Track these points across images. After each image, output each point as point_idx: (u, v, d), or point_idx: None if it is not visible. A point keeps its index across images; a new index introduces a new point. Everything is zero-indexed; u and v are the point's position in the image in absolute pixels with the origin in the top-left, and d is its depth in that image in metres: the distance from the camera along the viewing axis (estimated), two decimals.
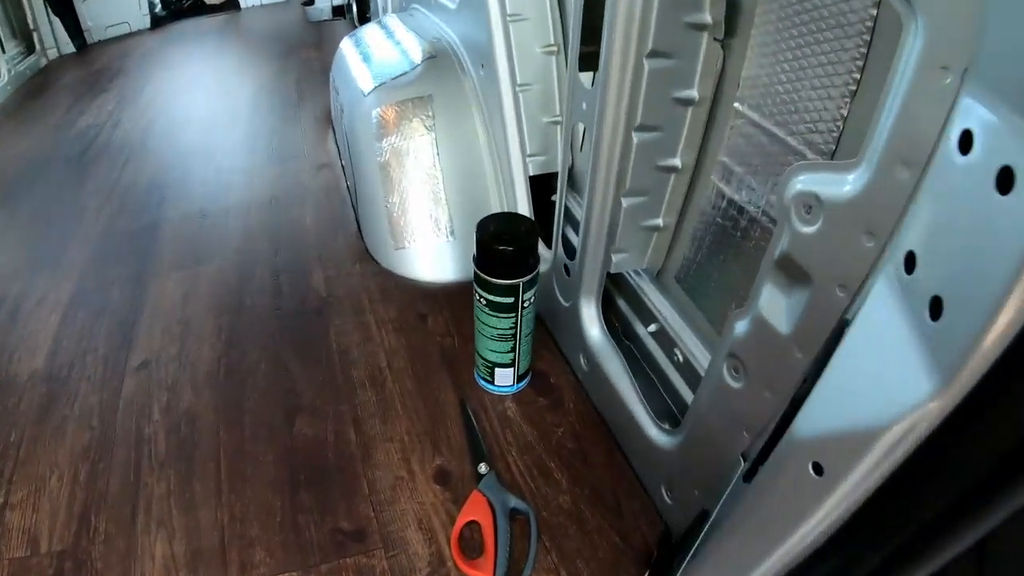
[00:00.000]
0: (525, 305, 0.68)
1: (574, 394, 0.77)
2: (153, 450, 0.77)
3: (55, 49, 2.27)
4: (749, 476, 0.42)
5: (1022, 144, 0.14)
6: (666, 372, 0.66)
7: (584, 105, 0.63)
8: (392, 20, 1.25)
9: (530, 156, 0.85)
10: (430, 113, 0.93)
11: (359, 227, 1.11)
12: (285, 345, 0.91)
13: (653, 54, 0.54)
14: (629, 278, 0.72)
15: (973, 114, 0.17)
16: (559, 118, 0.83)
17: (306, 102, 1.79)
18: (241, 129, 1.65)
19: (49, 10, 2.20)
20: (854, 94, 0.43)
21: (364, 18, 1.93)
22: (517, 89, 0.82)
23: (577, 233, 0.70)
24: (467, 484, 0.68)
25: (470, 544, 0.63)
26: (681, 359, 0.63)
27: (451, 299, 0.93)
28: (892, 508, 0.19)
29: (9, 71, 2.00)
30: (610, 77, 0.56)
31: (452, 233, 0.93)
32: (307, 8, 2.44)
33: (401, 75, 0.98)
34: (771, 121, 0.52)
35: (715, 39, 0.54)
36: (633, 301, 0.72)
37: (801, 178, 0.35)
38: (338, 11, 2.43)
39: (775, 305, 0.40)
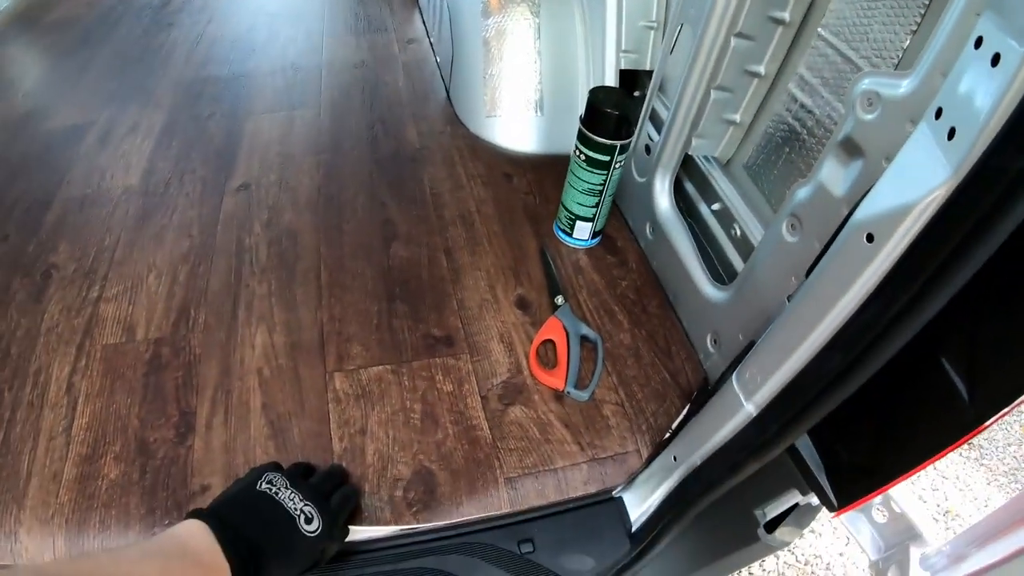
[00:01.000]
0: (616, 166, 0.86)
1: (637, 257, 0.95)
2: (254, 258, 0.92)
3: None
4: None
5: (1006, 39, 0.31)
6: (722, 245, 0.85)
7: (692, 10, 0.78)
8: None
9: (624, 52, 0.99)
10: (536, 1, 1.05)
11: (449, 97, 1.25)
12: (381, 184, 1.07)
13: None
14: (700, 164, 0.89)
15: (986, 27, 0.33)
16: (653, 23, 0.97)
17: None
18: (328, 3, 1.71)
19: None
20: (914, 32, 0.59)
21: None
22: None
23: (655, 127, 0.87)
24: (544, 312, 0.86)
25: (544, 359, 0.80)
26: (738, 234, 0.81)
27: (534, 166, 1.10)
28: (916, 259, 0.36)
29: None
30: None
31: (540, 109, 1.09)
32: None
33: None
34: (847, 45, 0.68)
35: None
36: (700, 184, 0.90)
37: (867, 80, 0.52)
38: None
39: (833, 175, 0.58)
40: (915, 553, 0.58)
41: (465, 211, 1.02)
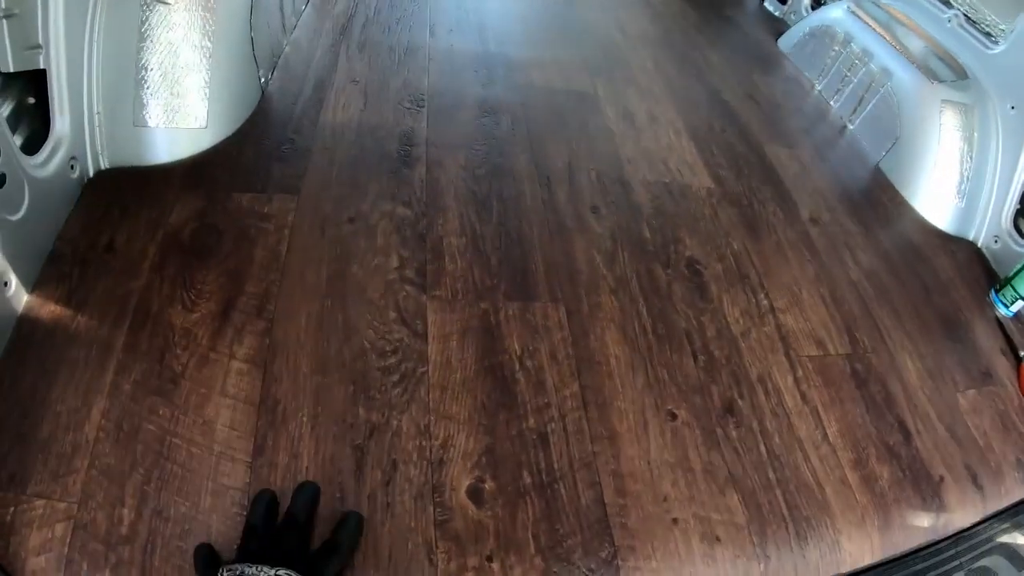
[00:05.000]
0: None
1: None
2: (864, 292, 1.35)
3: None
4: None
5: None
6: None
7: None
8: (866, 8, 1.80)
9: None
10: (973, 119, 1.56)
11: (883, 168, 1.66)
12: None
13: None
14: None
15: None
16: None
17: None
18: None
19: None
20: None
21: None
22: None
23: None
24: (1012, 356, 1.42)
25: None
26: None
27: (957, 245, 1.62)
28: None
29: None
30: None
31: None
32: None
33: (955, 81, 1.57)
34: None
35: None
36: None
37: None
38: None
39: None
40: None
41: None
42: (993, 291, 1.56)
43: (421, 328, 0.97)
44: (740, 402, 1.05)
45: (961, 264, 1.60)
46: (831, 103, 2.01)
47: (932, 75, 1.75)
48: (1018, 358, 1.45)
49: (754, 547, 0.89)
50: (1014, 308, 1.54)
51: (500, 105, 1.51)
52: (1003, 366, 1.40)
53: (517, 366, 0.97)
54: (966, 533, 1.13)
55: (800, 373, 1.14)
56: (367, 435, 0.85)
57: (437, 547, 0.77)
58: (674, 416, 0.99)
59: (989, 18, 1.74)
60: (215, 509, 0.76)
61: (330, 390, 0.89)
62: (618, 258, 1.20)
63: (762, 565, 0.89)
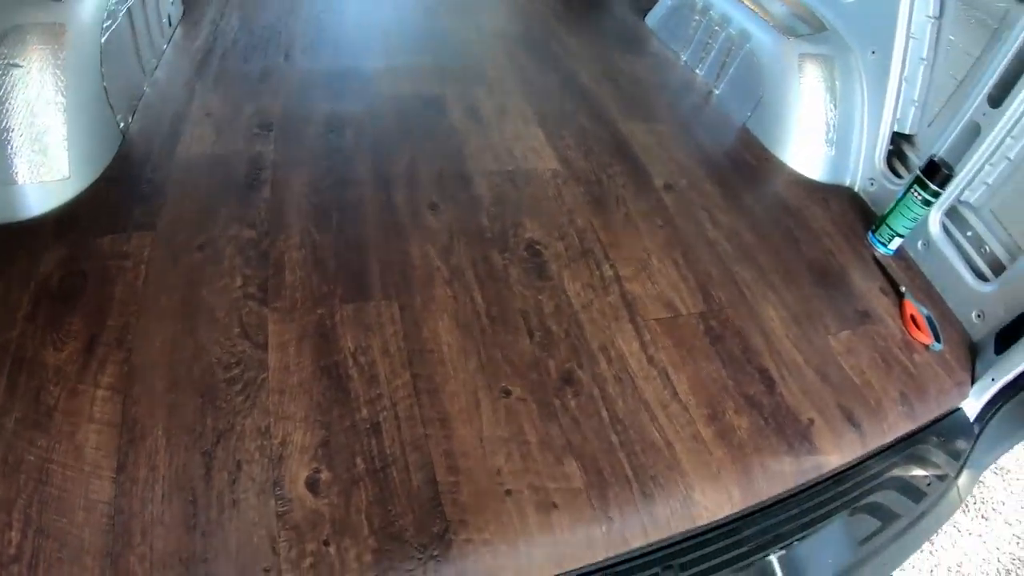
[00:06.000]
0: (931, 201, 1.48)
1: (913, 265, 1.60)
2: (723, 251, 1.43)
3: None
4: None
5: None
6: (974, 257, 1.50)
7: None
8: None
9: (896, 119, 1.61)
10: (833, 69, 1.61)
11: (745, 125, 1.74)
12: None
13: None
14: (959, 207, 1.54)
15: None
16: (916, 101, 1.61)
17: None
18: None
19: None
20: None
21: None
22: (903, 77, 1.57)
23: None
24: (894, 293, 1.49)
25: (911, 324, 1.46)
26: (988, 250, 1.48)
27: (831, 192, 1.66)
28: None
29: None
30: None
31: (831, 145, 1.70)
32: None
33: (810, 34, 1.63)
34: None
35: None
36: (957, 218, 1.55)
37: None
38: None
39: None
40: None
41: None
42: (871, 232, 1.62)
43: (262, 339, 1.04)
44: (579, 372, 1.10)
45: (836, 211, 1.67)
46: (697, 72, 2.09)
47: (790, 32, 1.82)
48: (900, 294, 1.51)
49: (594, 510, 0.93)
50: (892, 246, 1.58)
51: (347, 119, 1.56)
52: (884, 304, 1.45)
53: (351, 363, 1.04)
54: (848, 472, 1.18)
55: (647, 337, 1.18)
56: (214, 441, 0.93)
57: (279, 537, 0.84)
58: (508, 393, 1.04)
59: None
60: (87, 523, 0.84)
61: (182, 405, 0.96)
62: (454, 249, 1.26)
63: (604, 527, 0.92)
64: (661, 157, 1.68)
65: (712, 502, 1.00)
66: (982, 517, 2.09)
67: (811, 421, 1.14)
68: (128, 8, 1.49)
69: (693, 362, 1.17)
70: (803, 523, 1.09)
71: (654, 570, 0.96)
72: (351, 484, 0.90)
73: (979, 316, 1.44)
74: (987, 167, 1.48)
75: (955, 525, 2.01)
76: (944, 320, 1.47)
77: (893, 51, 1.62)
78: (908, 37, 1.60)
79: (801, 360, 1.24)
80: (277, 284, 1.13)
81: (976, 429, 1.38)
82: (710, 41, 2.02)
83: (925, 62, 1.63)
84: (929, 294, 1.53)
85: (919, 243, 1.61)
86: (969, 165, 1.46)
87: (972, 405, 1.37)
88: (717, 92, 1.99)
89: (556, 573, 0.91)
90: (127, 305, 1.08)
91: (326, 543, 0.84)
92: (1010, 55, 1.40)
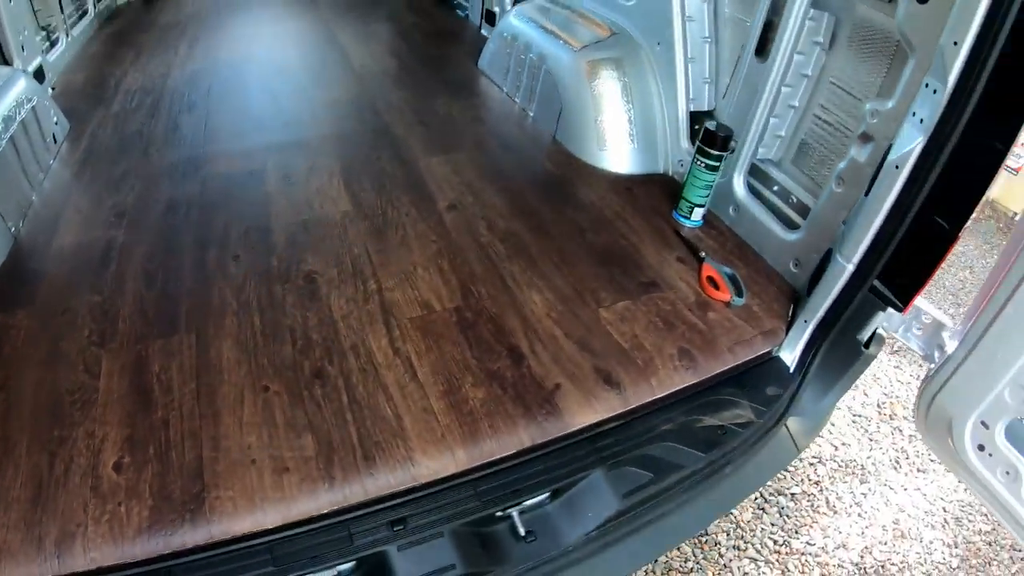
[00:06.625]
0: (720, 169, 1.67)
1: (726, 229, 1.77)
2: (495, 251, 1.64)
3: None
4: None
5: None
6: (784, 209, 1.68)
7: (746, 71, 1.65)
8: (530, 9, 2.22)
9: (691, 100, 1.85)
10: (623, 68, 1.89)
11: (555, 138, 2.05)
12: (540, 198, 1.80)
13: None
14: (760, 165, 1.74)
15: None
16: (708, 78, 1.84)
17: None
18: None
19: None
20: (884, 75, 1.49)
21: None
22: (688, 60, 1.82)
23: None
24: (694, 261, 1.65)
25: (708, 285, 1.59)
26: (796, 200, 1.65)
27: (640, 181, 1.89)
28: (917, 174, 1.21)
29: None
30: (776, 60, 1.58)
31: (634, 141, 1.90)
32: None
33: (597, 42, 1.92)
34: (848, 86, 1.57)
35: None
36: (761, 176, 1.74)
37: (869, 104, 1.39)
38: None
39: (858, 151, 1.43)
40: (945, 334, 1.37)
41: (612, 214, 1.81)
42: (674, 210, 1.80)
43: (97, 371, 1.36)
44: (329, 368, 1.34)
45: (640, 198, 1.87)
46: (515, 100, 2.37)
47: (580, 44, 2.07)
48: (699, 259, 1.66)
49: (320, 471, 1.17)
50: (695, 217, 1.73)
51: (183, 199, 1.86)
52: (679, 270, 1.62)
53: (155, 380, 1.34)
54: (611, 430, 1.36)
55: (397, 334, 1.42)
56: (58, 443, 1.22)
57: (90, 503, 1.13)
58: (267, 389, 1.30)
59: None
60: None
61: (40, 423, 1.27)
62: (246, 288, 1.54)
63: (327, 484, 1.16)
64: (452, 182, 1.93)
65: (436, 463, 1.21)
66: (918, 471, 2.10)
67: (557, 386, 1.34)
68: (11, 137, 1.82)
69: (438, 349, 1.40)
70: (551, 478, 1.26)
71: (385, 519, 1.19)
72: (143, 464, 1.18)
73: (796, 264, 1.57)
74: (773, 120, 1.67)
75: (887, 483, 2.05)
76: (763, 275, 1.61)
77: (675, 38, 1.84)
78: (685, 21, 1.82)
79: (560, 334, 1.45)
80: (112, 331, 1.45)
81: (797, 375, 1.53)
82: (520, 70, 2.30)
83: (709, 40, 1.84)
84: (745, 254, 1.67)
85: (730, 209, 1.77)
86: (755, 122, 1.67)
87: (792, 354, 1.52)
88: (532, 114, 2.25)
89: (283, 522, 1.14)
90: (10, 359, 1.40)
91: (120, 504, 1.12)
92: (767, 5, 1.62)
